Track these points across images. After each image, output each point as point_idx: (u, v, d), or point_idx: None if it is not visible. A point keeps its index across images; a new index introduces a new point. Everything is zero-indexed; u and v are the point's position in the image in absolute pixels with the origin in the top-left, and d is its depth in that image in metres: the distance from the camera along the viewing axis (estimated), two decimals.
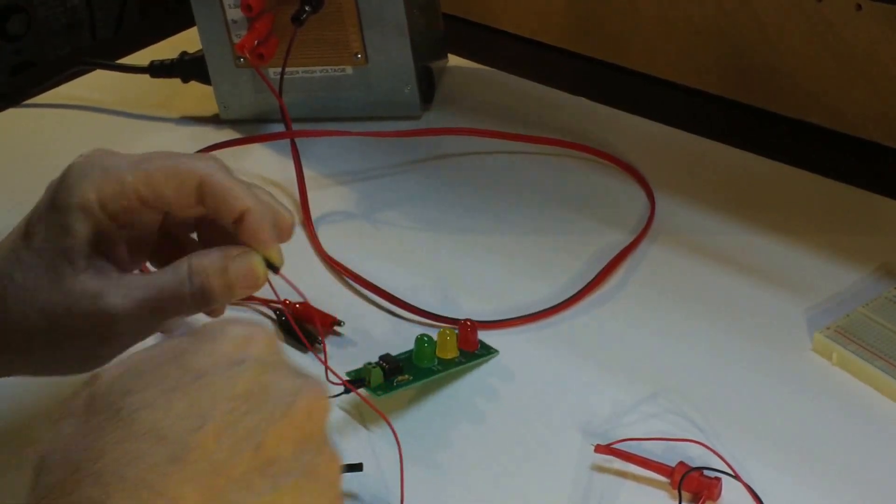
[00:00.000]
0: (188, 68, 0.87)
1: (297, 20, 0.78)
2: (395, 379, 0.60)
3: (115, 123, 0.89)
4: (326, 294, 0.68)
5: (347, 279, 0.69)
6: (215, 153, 0.79)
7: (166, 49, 0.96)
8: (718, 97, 0.86)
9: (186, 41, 0.94)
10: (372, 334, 0.65)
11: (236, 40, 0.81)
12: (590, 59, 0.93)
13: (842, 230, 0.70)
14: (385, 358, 0.61)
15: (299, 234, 0.74)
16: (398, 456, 0.55)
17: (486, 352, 0.63)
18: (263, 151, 0.83)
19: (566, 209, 0.75)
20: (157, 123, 0.89)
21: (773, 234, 0.70)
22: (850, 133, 0.80)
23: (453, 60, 0.93)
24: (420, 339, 0.62)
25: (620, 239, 0.71)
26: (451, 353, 0.62)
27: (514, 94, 0.89)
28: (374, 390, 0.59)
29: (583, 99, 0.87)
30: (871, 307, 0.62)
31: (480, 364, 0.63)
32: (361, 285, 0.69)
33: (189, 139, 0.84)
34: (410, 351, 0.62)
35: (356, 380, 0.59)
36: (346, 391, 0.58)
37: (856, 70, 0.77)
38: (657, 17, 0.87)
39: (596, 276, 0.67)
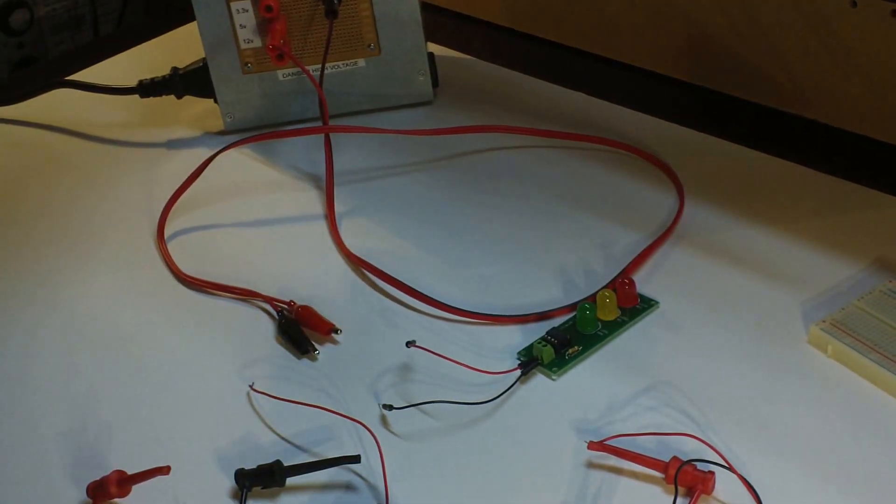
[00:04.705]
0: (180, 84, 0.84)
1: (331, 13, 0.78)
2: (565, 352, 0.61)
3: (100, 146, 0.86)
4: (347, 288, 0.69)
5: (371, 275, 0.69)
6: (237, 148, 0.79)
7: (167, 44, 0.96)
8: (713, 91, 0.86)
9: (187, 36, 0.94)
10: (389, 330, 0.65)
11: (244, 46, 0.81)
12: (557, 44, 0.93)
13: (837, 224, 0.70)
14: (552, 333, 0.61)
15: (323, 229, 0.74)
16: (378, 453, 0.55)
17: (647, 305, 0.64)
18: (278, 149, 0.82)
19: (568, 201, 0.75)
20: (151, 139, 0.86)
21: (769, 227, 0.70)
22: (845, 128, 0.80)
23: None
24: (581, 307, 0.62)
25: (637, 236, 0.71)
26: (612, 314, 0.63)
27: (499, 83, 0.89)
28: (549, 367, 0.60)
29: (582, 94, 0.87)
30: (867, 300, 0.62)
31: (643, 318, 0.63)
32: (388, 282, 0.68)
33: (188, 154, 0.82)
34: (569, 321, 0.63)
35: (529, 360, 0.60)
36: (523, 373, 0.59)
37: (850, 65, 0.77)
38: (652, 11, 0.87)
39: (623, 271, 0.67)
